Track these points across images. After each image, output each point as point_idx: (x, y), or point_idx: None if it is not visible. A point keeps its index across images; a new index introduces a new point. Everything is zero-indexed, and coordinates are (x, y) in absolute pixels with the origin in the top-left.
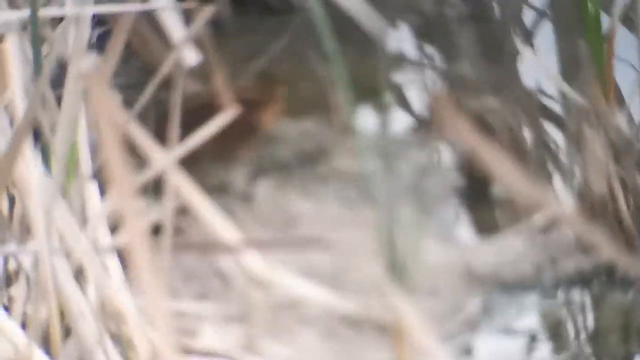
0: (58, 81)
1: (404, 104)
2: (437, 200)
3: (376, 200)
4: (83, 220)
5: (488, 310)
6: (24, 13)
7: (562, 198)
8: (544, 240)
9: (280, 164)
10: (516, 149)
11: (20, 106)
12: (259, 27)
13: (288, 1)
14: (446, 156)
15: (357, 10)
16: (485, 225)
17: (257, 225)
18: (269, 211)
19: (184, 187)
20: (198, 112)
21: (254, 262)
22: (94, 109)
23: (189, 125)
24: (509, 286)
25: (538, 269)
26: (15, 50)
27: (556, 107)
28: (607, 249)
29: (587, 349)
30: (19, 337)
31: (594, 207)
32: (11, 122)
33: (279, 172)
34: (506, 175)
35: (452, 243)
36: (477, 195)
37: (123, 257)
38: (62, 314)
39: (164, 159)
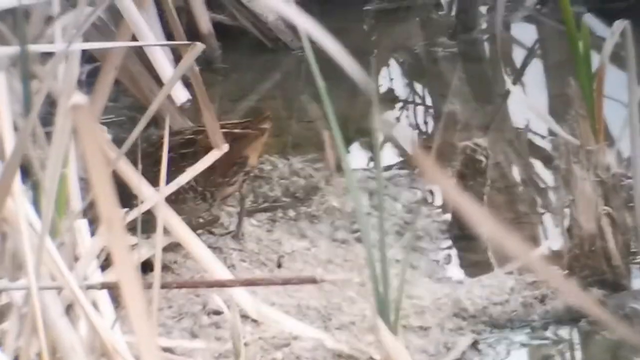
0: (48, 118)
1: (395, 142)
2: (428, 238)
3: (367, 238)
4: (74, 256)
5: (478, 348)
6: (14, 49)
7: (551, 236)
8: (534, 279)
9: (271, 202)
10: (505, 188)
11: (9, 142)
12: (249, 66)
13: (280, 40)
14: (437, 195)
15: (343, 60)
16: (476, 264)
17: (247, 263)
18: (260, 249)
19: (174, 225)
20: (187, 149)
21: (245, 300)
22: (84, 146)
23: (179, 162)
24: (499, 324)
25: (527, 307)
26: (4, 86)
27: (546, 146)
28: (589, 305)
29: None
30: None
31: (583, 245)
32: (0, 159)
33: (269, 210)
34: (486, 228)
35: (443, 281)
36: (468, 234)
37: (114, 293)
38: (54, 349)
39: (153, 197)
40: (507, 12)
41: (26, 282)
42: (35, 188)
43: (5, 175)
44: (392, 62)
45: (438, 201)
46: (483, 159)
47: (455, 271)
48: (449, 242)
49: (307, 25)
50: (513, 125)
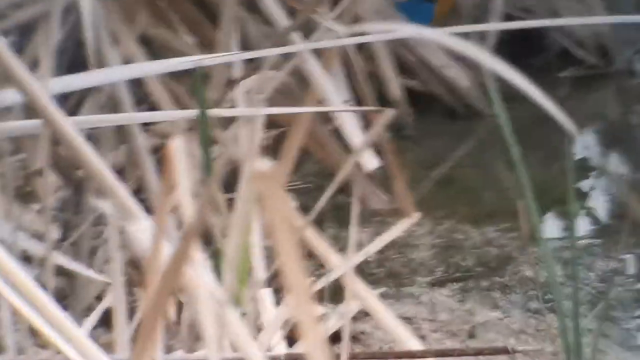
0: (230, 184)
1: (590, 211)
2: (621, 307)
3: (560, 308)
4: (257, 327)
5: None
6: (192, 112)
7: None
8: None
9: (463, 271)
10: None
11: (188, 209)
12: (441, 132)
13: (472, 106)
14: (630, 264)
15: (553, 111)
16: None
17: (438, 334)
18: (451, 319)
19: (363, 293)
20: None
21: None
22: (269, 213)
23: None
24: None
25: None
26: (183, 151)
27: None
28: None
29: None
30: None
31: None
32: (179, 226)
33: (461, 280)
34: None
35: (635, 349)
36: None
37: None
38: None
39: (342, 265)
40: None
41: (205, 353)
42: (215, 257)
43: (184, 243)
44: (588, 130)
45: (631, 270)
46: None
47: None
48: None
49: (517, 78)
50: None
